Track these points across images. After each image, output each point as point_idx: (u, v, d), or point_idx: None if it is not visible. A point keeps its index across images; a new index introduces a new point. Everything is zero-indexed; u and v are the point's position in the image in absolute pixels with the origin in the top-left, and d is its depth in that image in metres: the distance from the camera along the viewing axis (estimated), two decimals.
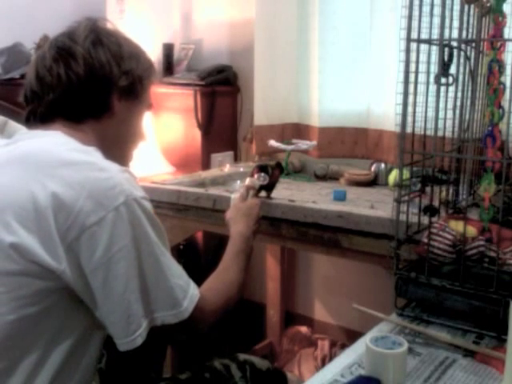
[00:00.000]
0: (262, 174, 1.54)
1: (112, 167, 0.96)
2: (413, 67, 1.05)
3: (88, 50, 1.03)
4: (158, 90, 2.56)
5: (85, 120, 1.05)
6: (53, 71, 1.02)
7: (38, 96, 1.04)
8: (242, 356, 1.30)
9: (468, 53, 1.19)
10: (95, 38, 1.05)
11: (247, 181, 1.52)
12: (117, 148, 1.11)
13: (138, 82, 1.09)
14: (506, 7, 1.04)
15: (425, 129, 1.11)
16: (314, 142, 2.17)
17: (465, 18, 1.16)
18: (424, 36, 1.05)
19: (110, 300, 0.92)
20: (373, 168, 2.10)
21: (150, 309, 0.95)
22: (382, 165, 2.08)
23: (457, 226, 1.10)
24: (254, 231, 1.40)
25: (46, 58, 1.04)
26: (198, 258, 2.44)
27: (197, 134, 2.44)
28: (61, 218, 0.88)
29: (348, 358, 0.97)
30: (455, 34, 1.13)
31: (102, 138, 1.07)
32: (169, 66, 2.66)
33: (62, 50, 1.03)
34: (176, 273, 1.00)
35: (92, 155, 0.98)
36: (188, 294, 1.01)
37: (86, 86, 1.03)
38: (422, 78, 1.08)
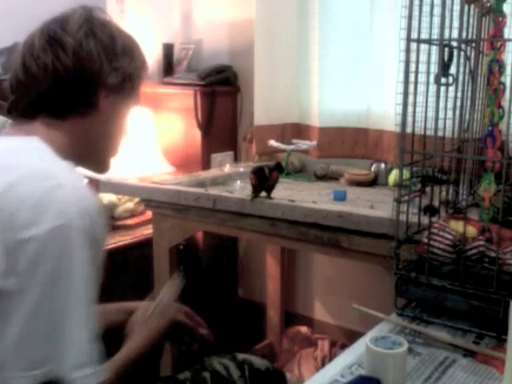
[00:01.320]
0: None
1: (69, 184, 0.88)
2: (413, 67, 1.05)
3: (79, 42, 0.98)
4: (158, 90, 2.56)
5: (68, 116, 1.00)
6: (40, 61, 0.97)
7: (23, 86, 0.99)
8: (241, 356, 1.29)
9: (468, 53, 1.19)
10: (88, 30, 0.99)
11: (163, 291, 1.26)
12: (99, 145, 1.06)
13: (128, 80, 1.04)
14: (506, 7, 1.04)
15: (425, 129, 1.11)
16: (314, 142, 2.18)
17: (465, 18, 1.16)
18: (424, 36, 1.05)
19: (11, 327, 0.83)
20: (373, 168, 2.10)
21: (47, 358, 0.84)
22: (382, 165, 2.08)
23: (457, 225, 1.10)
24: (161, 333, 1.18)
25: (34, 45, 0.99)
26: (197, 258, 2.44)
27: (197, 134, 2.44)
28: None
29: (348, 358, 0.97)
30: (455, 34, 1.12)
31: (84, 135, 1.02)
32: (169, 65, 2.66)
33: (52, 39, 0.98)
34: (78, 334, 0.86)
35: (57, 168, 0.91)
36: (83, 370, 0.86)
37: (73, 80, 0.98)
38: (422, 77, 1.07)
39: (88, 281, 0.87)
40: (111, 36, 1.02)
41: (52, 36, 0.98)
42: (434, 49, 1.08)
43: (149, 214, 2.26)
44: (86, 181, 0.98)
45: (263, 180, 1.64)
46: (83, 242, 0.85)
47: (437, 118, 1.07)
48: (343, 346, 2.28)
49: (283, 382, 1.37)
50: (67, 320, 0.84)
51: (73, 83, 0.98)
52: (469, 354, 0.98)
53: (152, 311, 1.20)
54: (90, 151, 1.03)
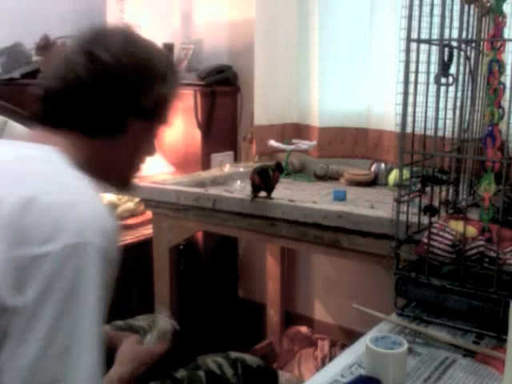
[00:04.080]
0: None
1: (88, 202, 0.85)
2: (413, 67, 1.05)
3: (118, 63, 0.96)
4: None
5: (97, 136, 0.98)
6: (78, 78, 0.95)
7: (58, 100, 0.97)
8: (234, 354, 1.31)
9: (468, 53, 1.19)
10: (128, 52, 0.97)
11: (159, 324, 1.24)
12: (123, 164, 1.05)
13: (161, 104, 1.03)
14: (506, 7, 1.04)
15: (425, 129, 1.11)
16: (314, 142, 2.18)
17: (465, 18, 1.16)
18: (424, 36, 1.05)
19: (24, 350, 0.78)
20: (373, 168, 2.10)
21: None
22: (382, 165, 2.08)
23: (457, 225, 1.10)
24: (136, 376, 1.16)
25: (74, 61, 0.96)
26: (197, 258, 2.44)
27: (197, 134, 2.44)
28: (11, 235, 0.79)
29: (348, 358, 0.97)
30: (455, 34, 1.13)
31: (109, 154, 1.01)
32: None
33: (91, 56, 0.95)
34: (88, 356, 0.80)
35: (76, 183, 0.88)
36: None
37: (108, 101, 0.97)
38: (422, 78, 1.08)
39: (100, 301, 0.82)
40: (150, 60, 1.00)
41: (93, 53, 0.96)
42: (434, 49, 1.08)
43: (149, 214, 2.26)
44: (103, 199, 0.94)
45: (266, 181, 1.64)
46: (99, 261, 0.81)
47: (437, 118, 1.07)
48: (343, 346, 2.28)
49: (275, 379, 1.39)
50: (79, 341, 0.80)
51: (107, 104, 0.97)
52: (469, 354, 0.98)
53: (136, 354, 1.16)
54: (114, 170, 1.02)
